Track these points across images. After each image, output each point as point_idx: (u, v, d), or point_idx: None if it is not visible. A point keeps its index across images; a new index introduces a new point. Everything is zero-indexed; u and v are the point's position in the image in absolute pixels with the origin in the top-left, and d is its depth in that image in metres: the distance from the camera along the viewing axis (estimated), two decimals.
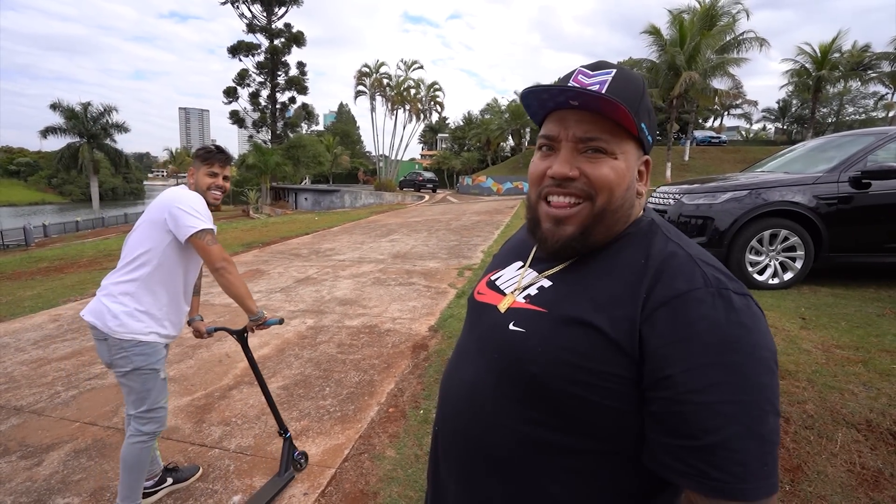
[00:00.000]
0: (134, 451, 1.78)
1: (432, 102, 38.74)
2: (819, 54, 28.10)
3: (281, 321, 2.10)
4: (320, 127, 65.47)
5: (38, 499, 2.01)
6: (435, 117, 43.93)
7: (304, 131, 39.96)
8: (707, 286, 0.56)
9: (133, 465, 1.79)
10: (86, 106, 34.55)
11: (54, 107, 33.25)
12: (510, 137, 46.42)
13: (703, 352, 0.53)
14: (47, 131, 33.50)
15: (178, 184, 2.07)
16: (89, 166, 35.23)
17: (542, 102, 0.67)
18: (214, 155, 1.91)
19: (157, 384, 1.81)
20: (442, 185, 40.14)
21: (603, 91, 0.63)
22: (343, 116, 73.79)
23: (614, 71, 0.65)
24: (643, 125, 0.65)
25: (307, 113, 37.97)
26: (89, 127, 34.64)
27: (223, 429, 2.54)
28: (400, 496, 1.96)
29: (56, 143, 36.14)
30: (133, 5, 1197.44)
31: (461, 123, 57.15)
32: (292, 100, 36.88)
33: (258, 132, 36.80)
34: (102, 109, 35.09)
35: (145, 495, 1.97)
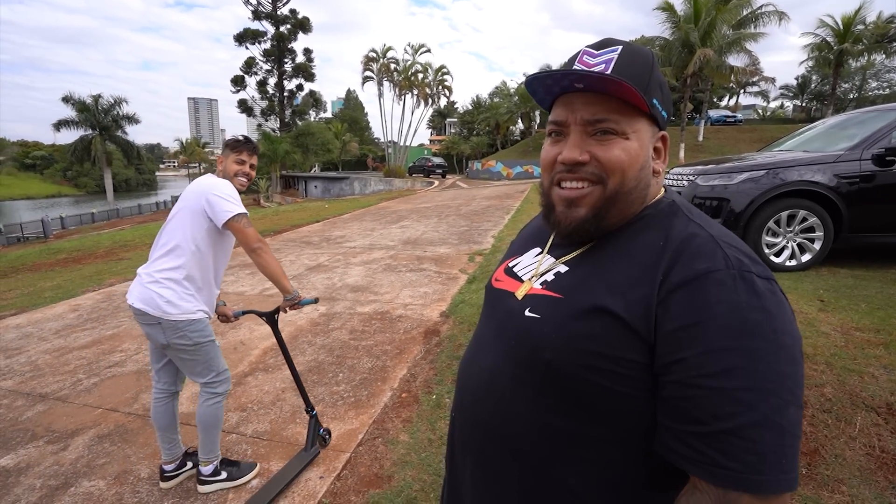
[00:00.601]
0: (212, 411, 1.96)
1: (440, 87, 38.30)
2: (841, 27, 27.00)
3: (316, 300, 2.20)
4: (328, 114, 65.29)
5: (66, 482, 2.09)
6: (443, 102, 43.47)
7: (312, 119, 39.77)
8: (728, 268, 0.54)
9: (211, 424, 1.97)
10: (96, 98, 34.74)
11: (66, 100, 33.51)
12: (520, 121, 45.71)
13: (719, 335, 0.51)
14: (60, 124, 33.81)
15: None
16: (102, 158, 35.60)
17: (548, 88, 0.65)
18: (243, 144, 2.05)
19: (216, 351, 1.99)
20: (451, 171, 39.92)
21: (608, 70, 0.61)
22: (351, 103, 73.32)
23: (620, 48, 0.63)
24: (655, 100, 0.63)
25: (315, 100, 37.74)
26: (101, 119, 34.88)
27: (240, 414, 2.59)
28: (414, 480, 1.99)
29: (69, 136, 36.39)
30: None
31: (470, 108, 56.42)
32: (300, 87, 36.65)
33: (267, 121, 36.74)
34: (113, 101, 35.26)
35: (166, 479, 2.04)
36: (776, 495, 0.49)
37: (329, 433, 2.30)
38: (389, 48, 36.34)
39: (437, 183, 27.85)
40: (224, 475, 2.02)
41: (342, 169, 49.95)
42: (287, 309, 2.11)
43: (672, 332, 0.53)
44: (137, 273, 1.94)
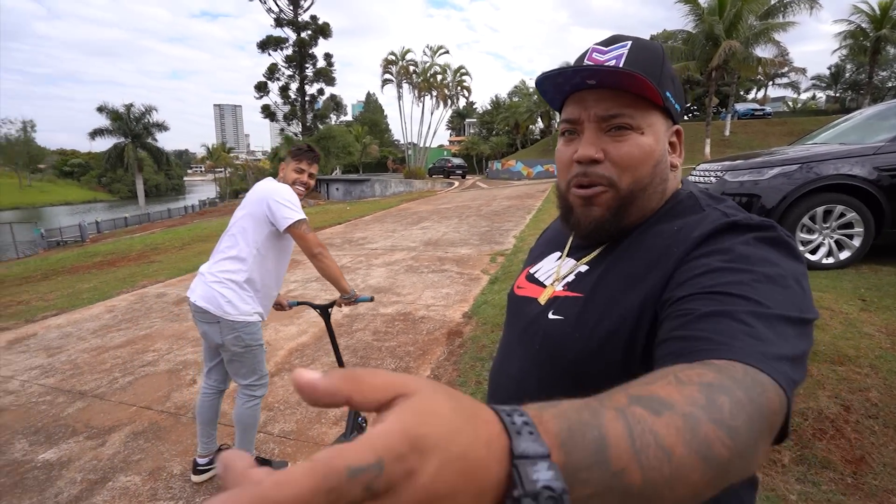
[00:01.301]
0: (250, 412, 2.02)
1: (459, 87, 38.34)
2: (878, 12, 25.74)
3: (371, 299, 2.24)
4: (349, 117, 66.01)
5: (104, 476, 2.17)
6: (462, 102, 43.43)
7: (333, 122, 40.34)
8: (743, 220, 0.55)
9: (250, 424, 2.03)
10: (128, 107, 36.28)
11: (101, 109, 35.08)
12: (539, 120, 45.39)
13: (723, 260, 0.51)
14: (95, 133, 35.43)
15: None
16: (134, 165, 37.09)
17: (559, 86, 0.64)
18: (304, 153, 2.08)
19: (263, 355, 2.05)
20: (471, 171, 39.86)
21: (620, 65, 0.60)
22: (371, 106, 74.06)
23: (629, 43, 0.62)
24: (668, 93, 0.62)
25: (336, 104, 38.29)
26: (132, 127, 36.39)
27: (266, 414, 2.64)
28: None
29: (104, 144, 38.39)
30: (166, 6, 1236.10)
31: (489, 108, 56.30)
32: (321, 91, 37.23)
33: (289, 125, 37.43)
34: (143, 110, 36.80)
35: (198, 472, 2.10)
36: (780, 379, 0.39)
37: (365, 421, 2.37)
38: (408, 50, 36.63)
39: (457, 184, 27.85)
40: None
41: (363, 171, 50.47)
42: (342, 304, 2.17)
43: (677, 274, 0.53)
44: (200, 272, 2.00)
